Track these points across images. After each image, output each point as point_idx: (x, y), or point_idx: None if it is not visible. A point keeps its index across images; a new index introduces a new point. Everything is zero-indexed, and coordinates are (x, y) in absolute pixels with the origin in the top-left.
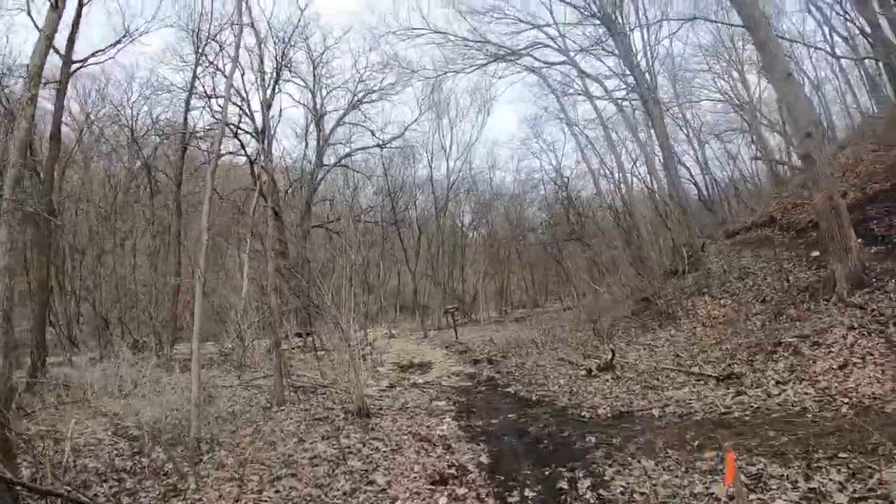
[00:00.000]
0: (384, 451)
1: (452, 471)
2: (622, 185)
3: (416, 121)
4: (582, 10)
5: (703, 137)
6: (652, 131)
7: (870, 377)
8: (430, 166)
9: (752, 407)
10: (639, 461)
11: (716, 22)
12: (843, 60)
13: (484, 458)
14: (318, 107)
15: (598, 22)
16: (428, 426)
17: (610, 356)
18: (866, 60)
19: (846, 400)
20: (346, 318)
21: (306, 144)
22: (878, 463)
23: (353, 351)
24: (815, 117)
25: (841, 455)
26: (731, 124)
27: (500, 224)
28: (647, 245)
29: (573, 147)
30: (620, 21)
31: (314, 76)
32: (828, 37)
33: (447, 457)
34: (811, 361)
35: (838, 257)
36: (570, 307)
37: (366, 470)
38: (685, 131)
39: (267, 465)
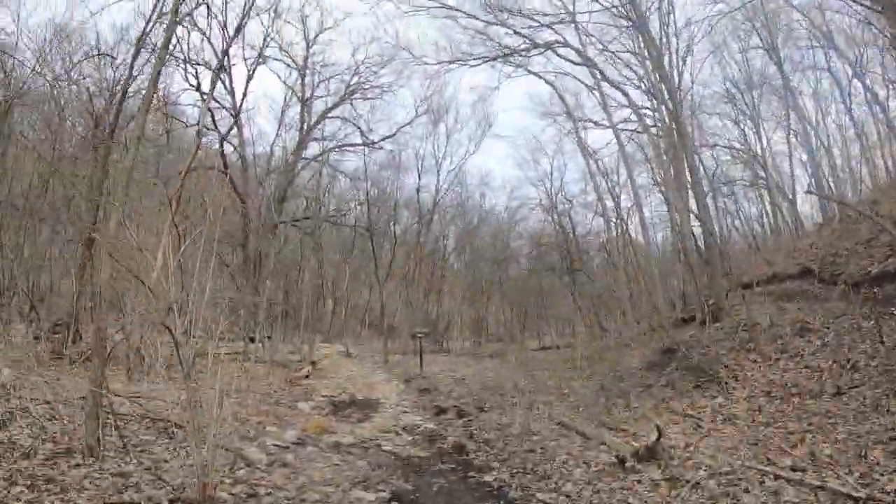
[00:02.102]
0: None
1: None
2: (630, 219)
3: (411, 122)
4: (611, 9)
5: (714, 184)
6: (675, 161)
7: None
8: (419, 175)
9: None
10: None
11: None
12: None
13: None
14: (306, 93)
15: (627, 23)
16: None
17: (655, 437)
18: None
19: None
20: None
21: (275, 130)
22: None
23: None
24: None
25: None
26: (735, 174)
27: (485, 250)
28: (657, 288)
29: (574, 178)
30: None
31: (306, 56)
32: None
33: None
34: None
35: None
36: (559, 346)
37: None
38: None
39: None
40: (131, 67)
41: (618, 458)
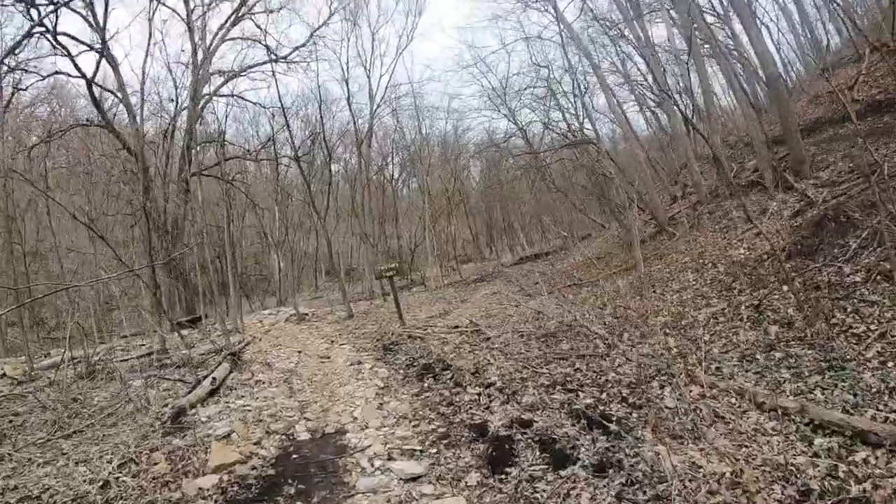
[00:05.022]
0: None
1: None
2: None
3: (325, 23)
4: None
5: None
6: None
7: None
8: (346, 84)
9: None
10: None
11: None
12: None
13: None
14: (192, 15)
15: None
16: None
17: None
18: None
19: None
20: None
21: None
22: None
23: None
24: None
25: None
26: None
27: (437, 166)
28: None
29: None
30: None
31: None
32: None
33: None
34: None
35: None
36: (547, 253)
37: None
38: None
39: None
40: None
41: None
